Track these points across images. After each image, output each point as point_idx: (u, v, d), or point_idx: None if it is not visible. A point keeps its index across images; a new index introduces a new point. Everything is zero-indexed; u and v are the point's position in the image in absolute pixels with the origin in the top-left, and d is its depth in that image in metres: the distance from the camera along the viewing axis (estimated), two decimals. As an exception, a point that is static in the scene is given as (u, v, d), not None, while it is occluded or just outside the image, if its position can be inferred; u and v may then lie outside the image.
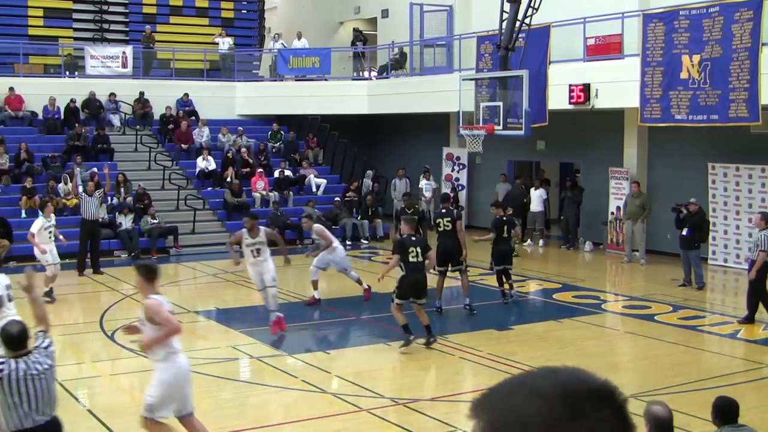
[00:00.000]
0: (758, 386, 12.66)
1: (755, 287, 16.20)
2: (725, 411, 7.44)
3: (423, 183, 30.88)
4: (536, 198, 27.02)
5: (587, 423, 1.56)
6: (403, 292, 14.73)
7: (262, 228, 16.18)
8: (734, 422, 7.44)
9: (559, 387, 1.60)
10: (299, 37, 34.26)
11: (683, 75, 21.07)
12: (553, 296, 19.59)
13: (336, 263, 19.01)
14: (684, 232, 19.81)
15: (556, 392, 1.58)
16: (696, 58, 20.73)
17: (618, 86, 22.70)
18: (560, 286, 20.76)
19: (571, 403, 1.57)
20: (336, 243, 19.06)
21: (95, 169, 26.83)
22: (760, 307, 16.32)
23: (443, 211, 17.78)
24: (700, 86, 20.65)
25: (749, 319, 16.36)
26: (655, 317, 17.24)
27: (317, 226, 19.11)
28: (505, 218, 18.79)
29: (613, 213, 24.96)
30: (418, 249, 14.73)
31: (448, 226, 17.36)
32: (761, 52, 19.29)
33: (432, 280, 16.63)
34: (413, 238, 15.00)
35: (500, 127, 21.48)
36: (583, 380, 1.62)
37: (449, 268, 17.57)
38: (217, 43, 34.40)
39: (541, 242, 27.24)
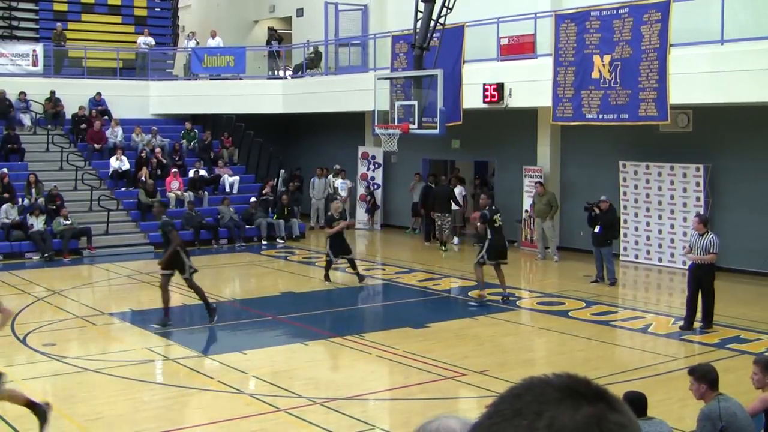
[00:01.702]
0: (668, 378, 12.94)
1: (707, 287, 15.75)
2: (634, 405, 7.63)
3: (338, 182, 30.90)
4: (457, 195, 27.20)
5: (604, 405, 1.45)
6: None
7: None
8: (644, 415, 7.64)
9: (561, 384, 1.48)
10: (213, 36, 34.03)
11: (594, 75, 21.44)
12: (469, 293, 19.75)
13: None
14: (596, 230, 20.14)
15: (566, 389, 1.47)
16: (607, 58, 21.11)
17: (531, 85, 23.00)
18: (475, 283, 20.91)
19: (582, 395, 1.46)
20: None
21: (5, 170, 26.37)
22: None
23: (494, 208, 18.57)
24: (611, 86, 21.04)
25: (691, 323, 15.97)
26: (569, 313, 17.50)
27: None
28: (494, 207, 18.79)
29: (526, 211, 25.29)
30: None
31: (501, 222, 18.35)
32: (669, 53, 19.71)
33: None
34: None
35: (415, 126, 21.60)
36: (565, 375, 1.52)
37: (500, 262, 18.36)
38: (140, 43, 33.99)
39: (456, 240, 27.46)
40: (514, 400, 1.47)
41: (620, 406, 1.45)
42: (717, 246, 15.65)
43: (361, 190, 31.10)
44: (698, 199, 21.75)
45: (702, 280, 15.75)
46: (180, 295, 18.89)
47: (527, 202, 25.13)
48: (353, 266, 20.85)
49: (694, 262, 15.89)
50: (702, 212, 21.35)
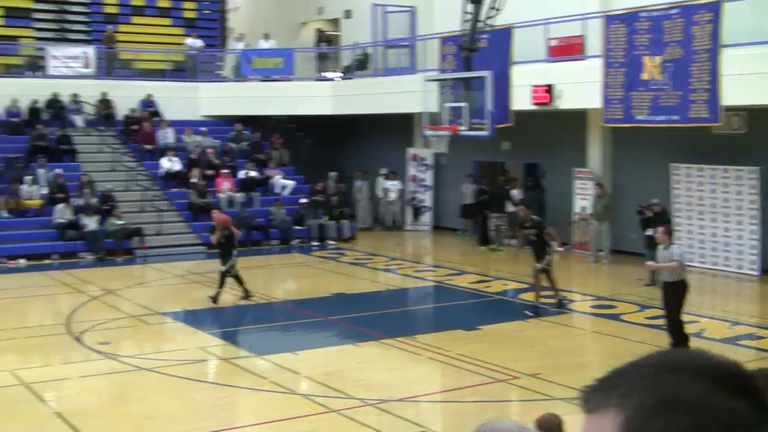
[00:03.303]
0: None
1: (672, 306, 14.42)
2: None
3: (389, 184, 30.94)
4: (514, 197, 26.99)
5: (748, 403, 1.34)
6: None
7: None
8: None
9: (712, 363, 1.38)
10: (266, 38, 34.15)
11: (644, 76, 21.27)
12: (520, 296, 19.68)
13: None
14: (650, 233, 19.93)
15: (712, 369, 1.37)
16: (657, 59, 20.93)
17: (580, 87, 22.85)
18: (527, 285, 20.84)
19: (728, 382, 1.35)
20: None
21: (59, 170, 26.76)
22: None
23: (533, 217, 18.56)
24: (661, 87, 20.86)
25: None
26: (622, 317, 17.34)
27: None
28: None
29: (578, 213, 25.10)
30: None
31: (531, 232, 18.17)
32: (720, 54, 19.51)
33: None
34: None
35: (465, 128, 21.58)
36: (724, 358, 1.40)
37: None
38: (188, 45, 34.24)
39: (513, 242, 27.34)
40: (665, 356, 1.43)
41: (757, 414, 1.34)
42: (680, 255, 14.46)
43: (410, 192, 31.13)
44: (753, 202, 21.45)
45: (667, 298, 14.47)
46: (232, 296, 19.07)
47: (578, 205, 24.96)
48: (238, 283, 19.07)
49: (663, 281, 14.74)
50: (759, 215, 21.09)
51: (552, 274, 17.95)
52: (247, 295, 18.90)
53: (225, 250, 18.83)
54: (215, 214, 19.79)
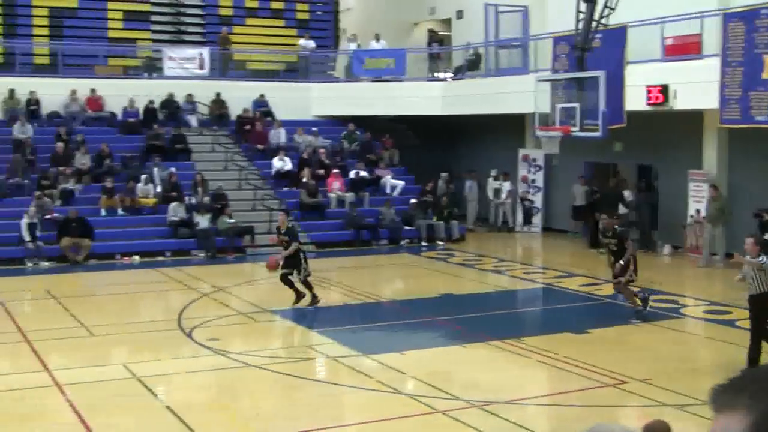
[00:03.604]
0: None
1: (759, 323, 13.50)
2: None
3: (500, 185, 30.76)
4: (625, 199, 26.49)
5: None
6: None
7: None
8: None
9: None
10: (377, 39, 34.27)
11: (764, 75, 20.66)
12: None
13: None
14: (767, 237, 19.35)
15: None
16: (777, 57, 20.33)
17: (696, 87, 22.30)
18: (638, 289, 20.41)
19: None
20: None
21: (173, 170, 27.30)
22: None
23: (616, 227, 17.83)
24: (782, 87, 20.24)
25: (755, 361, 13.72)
26: (737, 323, 16.80)
27: None
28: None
29: (692, 216, 24.51)
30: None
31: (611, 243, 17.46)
32: None
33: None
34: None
35: (577, 129, 21.31)
36: None
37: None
38: (301, 45, 34.58)
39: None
40: None
41: None
42: (764, 263, 13.30)
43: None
44: None
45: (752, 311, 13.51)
46: (341, 295, 19.16)
47: (692, 207, 24.38)
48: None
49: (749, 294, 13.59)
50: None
51: (626, 286, 17.25)
52: (298, 298, 18.37)
53: (293, 260, 18.37)
54: (278, 236, 19.15)
